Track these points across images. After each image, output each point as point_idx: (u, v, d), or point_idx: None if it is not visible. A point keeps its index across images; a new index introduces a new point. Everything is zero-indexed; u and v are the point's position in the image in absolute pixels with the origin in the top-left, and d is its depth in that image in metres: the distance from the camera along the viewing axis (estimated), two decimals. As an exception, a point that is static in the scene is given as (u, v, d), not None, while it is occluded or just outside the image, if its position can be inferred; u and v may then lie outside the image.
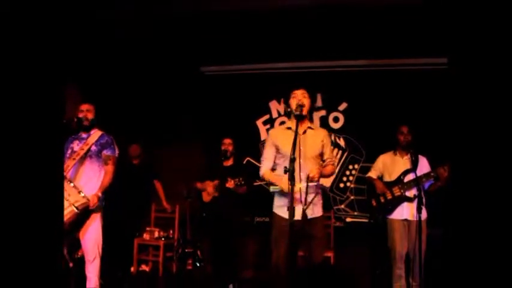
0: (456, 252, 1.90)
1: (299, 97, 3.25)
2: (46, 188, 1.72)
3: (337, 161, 5.48)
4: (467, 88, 1.85)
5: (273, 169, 3.41)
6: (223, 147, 4.95)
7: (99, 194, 3.65)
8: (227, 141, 4.98)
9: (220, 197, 4.80)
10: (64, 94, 1.97)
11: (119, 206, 4.72)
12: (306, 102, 3.25)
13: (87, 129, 3.82)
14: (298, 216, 3.16)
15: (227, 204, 4.76)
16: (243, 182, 4.62)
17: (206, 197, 4.91)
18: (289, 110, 3.36)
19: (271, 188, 3.38)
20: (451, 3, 4.11)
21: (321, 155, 3.37)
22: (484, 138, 1.75)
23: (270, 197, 3.44)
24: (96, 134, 3.82)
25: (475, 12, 1.86)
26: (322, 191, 3.47)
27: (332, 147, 3.56)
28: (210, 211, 4.88)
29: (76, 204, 3.47)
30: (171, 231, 5.56)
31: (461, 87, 1.89)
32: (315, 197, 3.24)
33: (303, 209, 3.08)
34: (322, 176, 3.35)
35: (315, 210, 3.28)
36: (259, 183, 5.29)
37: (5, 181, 1.58)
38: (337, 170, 5.46)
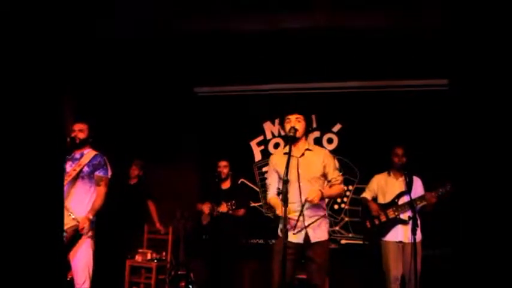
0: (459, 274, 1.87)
1: (292, 122, 3.22)
2: (46, 205, 1.69)
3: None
4: (469, 110, 1.84)
5: None
6: (218, 170, 4.93)
7: (90, 217, 3.59)
8: (223, 163, 4.97)
9: (219, 219, 4.75)
10: (63, 108, 1.94)
11: (111, 226, 4.65)
12: (300, 126, 3.23)
13: (80, 149, 3.77)
14: (300, 239, 3.13)
15: (226, 227, 4.72)
16: (234, 207, 4.58)
17: (205, 219, 4.87)
18: (284, 134, 3.36)
19: (265, 211, 3.36)
20: (442, 28, 4.18)
21: (324, 176, 3.30)
22: (486, 157, 1.73)
23: (265, 219, 3.42)
24: (89, 154, 3.77)
25: (474, 36, 1.86)
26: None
27: (336, 166, 3.47)
28: (208, 233, 4.84)
29: (65, 228, 3.41)
30: (163, 253, 5.48)
31: (463, 109, 1.87)
32: (315, 221, 3.18)
33: (304, 231, 3.06)
34: (329, 197, 3.31)
35: (319, 234, 3.20)
36: (254, 204, 5.25)
37: (4, 195, 1.55)
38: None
